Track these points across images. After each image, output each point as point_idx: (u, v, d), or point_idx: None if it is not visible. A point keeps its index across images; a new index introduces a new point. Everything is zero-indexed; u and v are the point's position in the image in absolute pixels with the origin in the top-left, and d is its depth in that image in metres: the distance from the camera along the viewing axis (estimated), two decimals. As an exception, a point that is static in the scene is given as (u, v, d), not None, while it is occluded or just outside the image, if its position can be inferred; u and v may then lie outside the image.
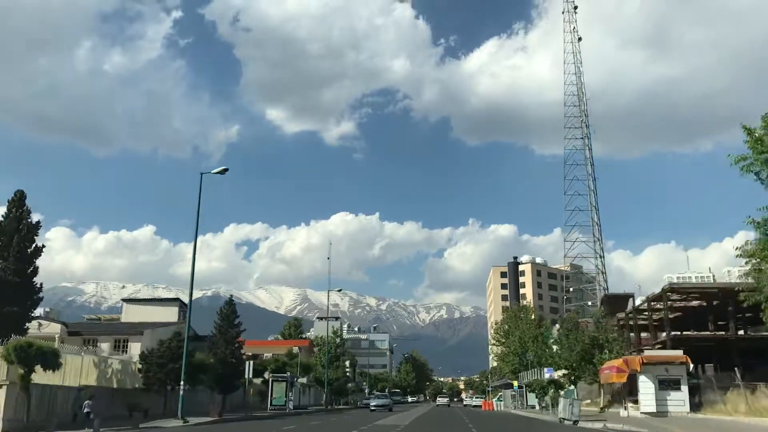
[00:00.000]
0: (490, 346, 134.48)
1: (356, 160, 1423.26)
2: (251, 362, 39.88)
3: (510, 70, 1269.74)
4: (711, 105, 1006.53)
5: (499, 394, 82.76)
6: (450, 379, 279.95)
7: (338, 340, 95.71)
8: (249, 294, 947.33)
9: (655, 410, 35.63)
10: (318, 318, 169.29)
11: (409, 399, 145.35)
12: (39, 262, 37.13)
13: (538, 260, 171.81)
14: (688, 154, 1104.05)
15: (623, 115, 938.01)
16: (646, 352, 38.79)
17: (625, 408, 39.55)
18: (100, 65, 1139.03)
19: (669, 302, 47.67)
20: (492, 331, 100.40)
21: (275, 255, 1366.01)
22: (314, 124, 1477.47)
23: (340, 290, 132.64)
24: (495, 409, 70.73)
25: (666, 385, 36.36)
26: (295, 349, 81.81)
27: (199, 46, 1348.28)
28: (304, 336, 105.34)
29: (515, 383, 68.49)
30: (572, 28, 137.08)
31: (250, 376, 39.03)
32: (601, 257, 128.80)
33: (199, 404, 41.34)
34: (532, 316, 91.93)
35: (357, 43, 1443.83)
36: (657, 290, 51.31)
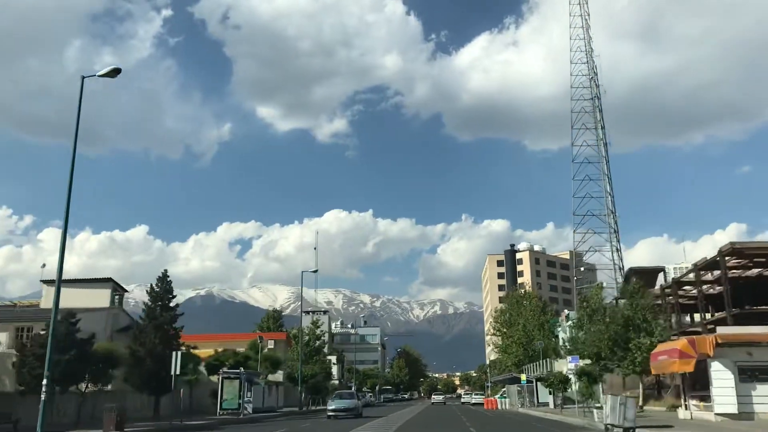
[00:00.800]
0: (488, 337, 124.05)
1: (349, 157, 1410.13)
2: (178, 353, 28.99)
3: (501, 65, 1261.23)
4: (702, 98, 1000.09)
5: (503, 390, 72.15)
6: (445, 375, 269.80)
7: (318, 331, 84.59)
8: (242, 293, 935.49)
9: (735, 411, 25.06)
10: (305, 312, 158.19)
11: (404, 396, 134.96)
12: None
13: (537, 248, 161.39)
14: (679, 147, 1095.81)
15: (614, 109, 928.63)
16: (721, 330, 27.92)
17: (686, 407, 28.91)
18: (90, 65, 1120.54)
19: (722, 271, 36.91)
20: (491, 321, 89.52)
21: (269, 253, 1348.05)
22: (306, 122, 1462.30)
23: (317, 272, 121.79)
24: (499, 407, 59.87)
25: (750, 375, 25.76)
26: (271, 344, 71.03)
27: (189, 44, 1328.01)
28: (284, 330, 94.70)
29: (523, 377, 57.81)
30: (583, 11, 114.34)
31: (176, 371, 28.16)
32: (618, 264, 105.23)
33: (131, 410, 30.81)
34: (535, 302, 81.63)
35: (348, 40, 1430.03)
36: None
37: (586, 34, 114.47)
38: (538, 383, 53.18)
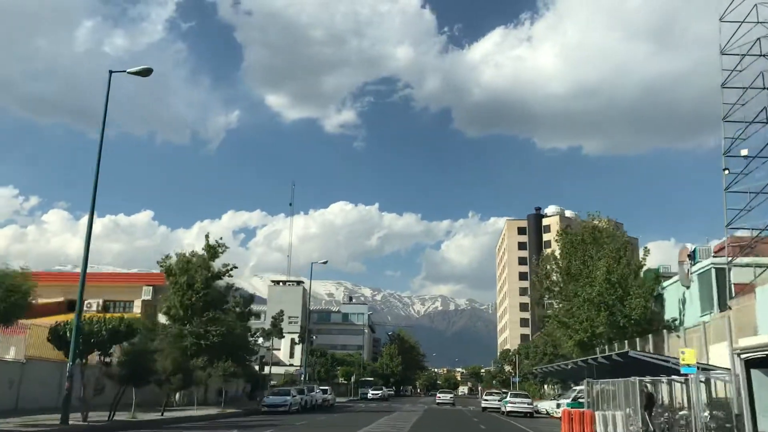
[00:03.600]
0: (526, 311, 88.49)
1: (356, 149, 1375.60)
2: None
3: (514, 61, 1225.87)
4: (714, 100, 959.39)
5: (576, 390, 36.12)
6: (445, 370, 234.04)
7: (220, 249, 43.72)
8: (243, 281, 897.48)
9: None
10: (273, 282, 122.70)
11: (387, 393, 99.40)
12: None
13: (569, 213, 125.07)
14: (690, 150, 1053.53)
15: (625, 111, 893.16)
16: None
17: None
18: (100, 47, 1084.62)
19: None
20: (533, 278, 52.60)
21: (271, 243, 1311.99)
22: (314, 112, 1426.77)
23: (326, 263, 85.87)
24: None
25: None
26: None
27: (200, 29, 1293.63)
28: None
29: (688, 358, 21.70)
30: None
31: None
32: None
33: None
34: (620, 237, 46.59)
35: (360, 30, 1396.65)
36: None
37: None
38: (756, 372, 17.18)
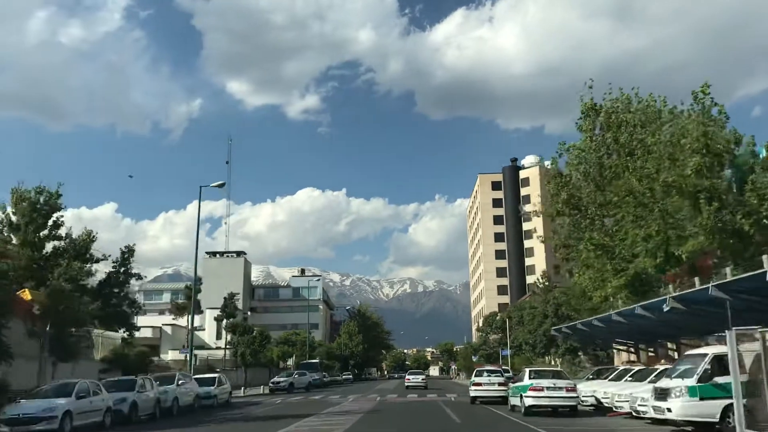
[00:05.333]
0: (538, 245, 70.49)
1: (321, 134, 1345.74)
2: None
3: (476, 41, 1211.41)
4: (673, 78, 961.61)
5: (695, 359, 16.77)
6: (414, 350, 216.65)
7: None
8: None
9: None
10: (208, 254, 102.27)
11: (330, 377, 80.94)
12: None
13: (549, 164, 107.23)
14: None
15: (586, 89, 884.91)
16: None
17: None
18: (56, 37, 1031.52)
19: None
20: (549, 185, 32.29)
21: (237, 232, 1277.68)
22: (277, 98, 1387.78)
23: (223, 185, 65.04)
24: None
25: None
26: None
27: (158, 17, 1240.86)
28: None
29: None
30: None
31: None
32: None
33: None
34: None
35: (322, 13, 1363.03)
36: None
37: None
38: None
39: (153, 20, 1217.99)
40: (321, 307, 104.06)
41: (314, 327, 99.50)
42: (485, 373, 26.15)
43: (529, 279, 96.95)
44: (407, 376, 51.01)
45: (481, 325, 54.92)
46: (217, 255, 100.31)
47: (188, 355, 33.88)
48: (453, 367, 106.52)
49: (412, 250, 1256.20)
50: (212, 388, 27.25)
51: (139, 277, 42.44)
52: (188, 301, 56.01)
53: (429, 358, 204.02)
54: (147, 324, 64.59)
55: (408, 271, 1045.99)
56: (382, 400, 29.88)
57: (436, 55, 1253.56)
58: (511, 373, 35.67)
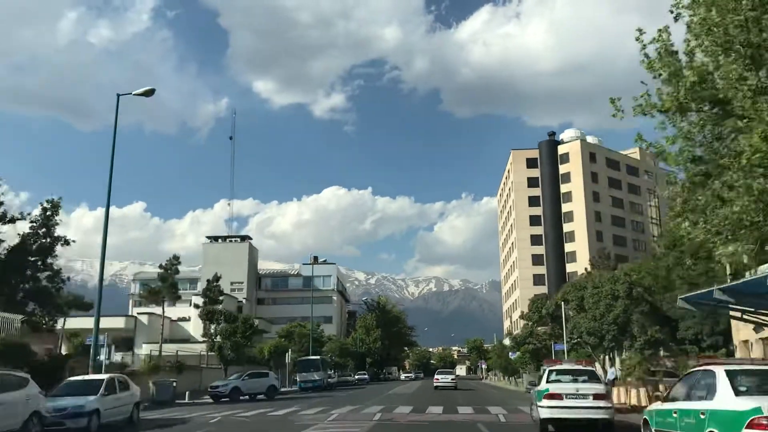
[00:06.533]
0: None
1: (347, 132, 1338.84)
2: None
3: (503, 38, 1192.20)
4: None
5: None
6: (439, 349, 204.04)
7: None
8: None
9: None
10: (209, 238, 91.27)
11: (324, 379, 69.65)
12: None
13: (591, 139, 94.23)
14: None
15: (614, 85, 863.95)
16: None
17: None
18: (85, 37, 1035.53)
19: None
20: (658, 63, 20.80)
21: (264, 230, 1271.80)
22: (303, 97, 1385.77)
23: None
24: None
25: None
26: None
27: (186, 16, 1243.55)
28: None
29: None
30: None
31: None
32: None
33: None
34: None
35: (347, 12, 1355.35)
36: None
37: None
38: None
39: (180, 20, 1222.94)
40: (335, 298, 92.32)
41: (327, 320, 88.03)
42: (569, 376, 14.10)
43: (570, 267, 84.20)
44: (436, 376, 47.62)
45: (526, 311, 42.23)
46: (219, 240, 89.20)
47: (94, 349, 22.09)
48: (482, 365, 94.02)
49: (438, 248, 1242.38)
50: (91, 399, 15.56)
51: (66, 242, 31.10)
52: (163, 284, 44.80)
53: (455, 357, 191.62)
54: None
55: (433, 269, 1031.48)
56: (384, 418, 17.93)
57: (461, 53, 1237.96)
58: (613, 374, 23.67)
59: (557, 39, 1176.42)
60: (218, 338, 40.46)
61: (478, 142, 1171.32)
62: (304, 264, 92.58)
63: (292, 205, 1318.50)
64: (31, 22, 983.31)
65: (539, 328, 41.92)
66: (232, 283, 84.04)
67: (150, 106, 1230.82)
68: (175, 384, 33.96)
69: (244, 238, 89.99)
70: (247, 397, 33.16)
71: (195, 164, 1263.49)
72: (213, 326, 41.43)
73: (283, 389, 44.70)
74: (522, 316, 43.82)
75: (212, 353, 41.30)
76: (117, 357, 41.51)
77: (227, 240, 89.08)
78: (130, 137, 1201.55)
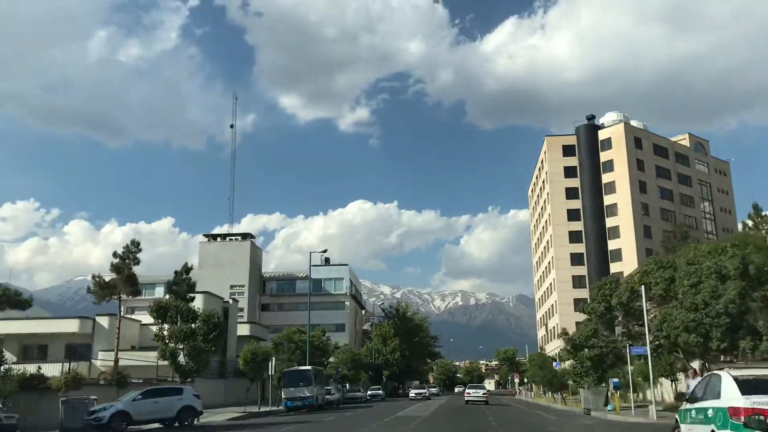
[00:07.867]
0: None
1: (372, 146, 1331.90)
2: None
3: (528, 50, 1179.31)
4: (732, 82, 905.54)
5: None
6: (466, 363, 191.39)
7: None
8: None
9: None
10: (206, 236, 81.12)
11: (373, 392, 59.09)
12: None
13: (635, 123, 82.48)
14: (711, 133, 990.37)
15: (641, 95, 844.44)
16: None
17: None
18: (115, 56, 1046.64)
19: None
20: None
21: (291, 245, 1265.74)
22: (329, 111, 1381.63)
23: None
24: None
25: None
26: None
27: (213, 33, 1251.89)
28: None
29: None
30: None
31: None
32: None
33: None
34: None
35: (371, 26, 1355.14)
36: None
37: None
38: None
39: (207, 37, 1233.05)
40: (347, 303, 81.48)
41: (340, 329, 77.27)
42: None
43: (614, 267, 72.33)
44: (467, 390, 48.38)
45: (593, 295, 30.28)
46: (218, 238, 79.15)
47: None
48: (515, 379, 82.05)
49: (464, 262, 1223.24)
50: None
51: None
52: (118, 276, 34.84)
53: (483, 370, 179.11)
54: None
55: (460, 283, 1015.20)
56: None
57: (486, 65, 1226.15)
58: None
59: (582, 49, 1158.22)
60: (170, 342, 30.05)
61: (504, 154, 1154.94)
62: (313, 266, 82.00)
63: (318, 219, 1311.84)
64: (63, 41, 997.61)
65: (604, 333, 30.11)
66: (231, 287, 74.03)
67: (178, 122, 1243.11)
68: (96, 403, 23.84)
69: (246, 236, 79.78)
70: (142, 426, 22.64)
71: (222, 180, 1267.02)
72: (167, 326, 31.01)
73: (263, 409, 34.06)
74: (583, 309, 32.25)
75: (165, 362, 30.88)
76: (73, 366, 31.38)
77: (227, 238, 79.06)
78: (159, 153, 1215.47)
